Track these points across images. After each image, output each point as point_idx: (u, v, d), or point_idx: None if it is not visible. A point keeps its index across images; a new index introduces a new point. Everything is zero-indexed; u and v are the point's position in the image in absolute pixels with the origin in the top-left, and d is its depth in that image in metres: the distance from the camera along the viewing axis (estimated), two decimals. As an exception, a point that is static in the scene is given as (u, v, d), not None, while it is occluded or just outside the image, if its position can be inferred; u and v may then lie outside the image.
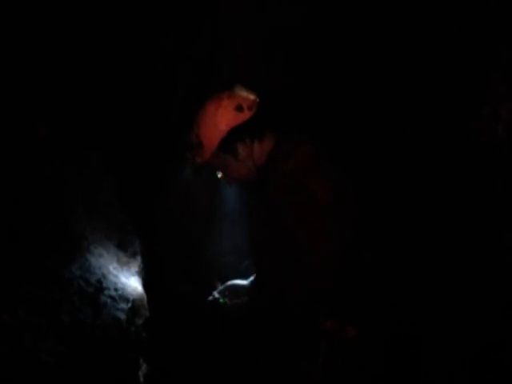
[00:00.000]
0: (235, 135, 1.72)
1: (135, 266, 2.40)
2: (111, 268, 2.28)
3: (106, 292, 2.18)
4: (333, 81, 2.44)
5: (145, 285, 2.39)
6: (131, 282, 2.33)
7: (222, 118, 1.70)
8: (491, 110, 1.94)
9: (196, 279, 2.76)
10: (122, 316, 2.16)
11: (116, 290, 2.24)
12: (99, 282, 2.18)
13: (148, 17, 2.44)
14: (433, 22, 2.10)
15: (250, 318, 1.90)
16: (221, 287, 2.34)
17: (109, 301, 2.17)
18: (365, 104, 2.37)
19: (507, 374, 1.83)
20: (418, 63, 2.16)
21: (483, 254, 1.99)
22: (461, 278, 2.00)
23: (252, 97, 1.73)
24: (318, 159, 1.72)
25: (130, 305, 2.22)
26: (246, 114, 1.69)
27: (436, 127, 2.13)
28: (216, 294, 2.27)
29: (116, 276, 2.28)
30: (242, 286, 2.22)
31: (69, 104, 2.32)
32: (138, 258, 2.42)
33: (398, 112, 2.26)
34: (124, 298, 2.24)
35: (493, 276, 1.92)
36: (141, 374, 2.15)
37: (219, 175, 1.85)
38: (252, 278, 2.18)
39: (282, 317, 1.73)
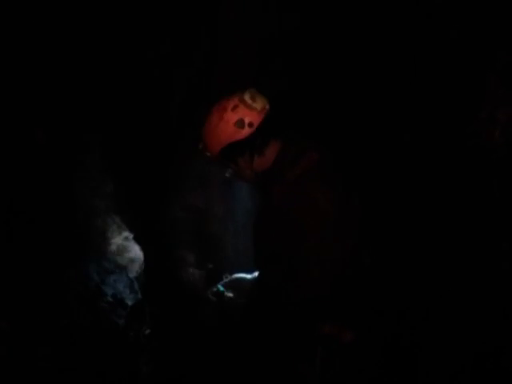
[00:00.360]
0: (235, 148, 1.72)
1: (134, 271, 2.43)
2: (110, 273, 2.31)
3: (105, 297, 2.21)
4: (334, 87, 2.47)
5: (150, 283, 2.41)
6: (130, 287, 2.36)
7: (222, 132, 1.70)
8: (489, 114, 1.97)
9: (209, 273, 2.77)
10: (121, 321, 2.19)
11: (114, 295, 2.27)
12: (97, 287, 2.21)
13: (147, 21, 2.47)
14: (431, 28, 2.13)
15: (249, 319, 1.92)
16: (226, 280, 2.36)
17: (107, 306, 2.20)
18: (365, 109, 2.39)
19: (506, 377, 1.85)
20: (417, 68, 2.19)
21: (482, 257, 2.01)
22: (460, 283, 2.02)
23: (259, 106, 1.71)
24: (324, 167, 1.73)
25: (128, 310, 2.25)
26: (246, 131, 1.69)
27: (435, 132, 2.16)
28: (220, 287, 2.28)
29: (114, 281, 2.31)
30: (247, 281, 2.24)
31: (67, 109, 2.35)
32: (137, 263, 2.44)
33: (397, 117, 2.29)
34: (122, 303, 2.27)
35: (491, 280, 1.95)
36: (140, 378, 2.17)
37: (227, 174, 1.87)
38: (256, 274, 2.19)
39: (280, 319, 1.75)
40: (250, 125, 1.67)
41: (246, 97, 1.70)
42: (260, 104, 1.71)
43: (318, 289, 1.66)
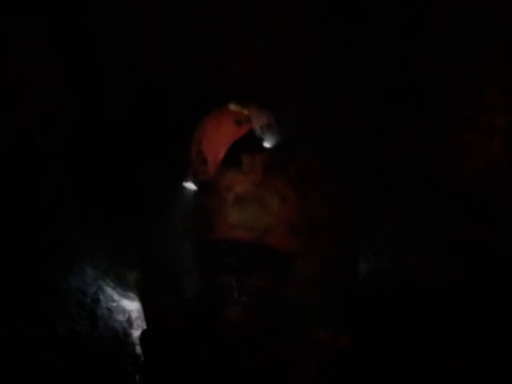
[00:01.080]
0: (239, 148, 1.82)
1: (132, 277, 2.48)
2: (108, 279, 2.37)
3: (103, 304, 2.27)
4: (329, 94, 2.52)
5: (149, 289, 2.45)
6: (128, 294, 2.41)
7: (224, 132, 1.81)
8: (488, 122, 2.03)
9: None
10: (119, 328, 2.25)
11: (113, 301, 2.32)
12: (96, 293, 2.27)
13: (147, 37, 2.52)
14: (430, 35, 2.19)
15: (245, 326, 1.98)
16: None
17: (106, 312, 2.26)
18: (361, 115, 2.45)
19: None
20: (415, 74, 2.25)
21: (481, 263, 2.07)
22: (457, 288, 2.08)
23: (245, 112, 1.83)
24: (314, 172, 1.82)
25: (126, 316, 2.31)
26: (246, 127, 1.81)
27: (432, 139, 2.22)
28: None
29: (113, 287, 2.37)
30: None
31: (65, 117, 2.40)
32: (136, 269, 2.49)
33: (393, 123, 2.35)
34: (121, 309, 2.33)
35: (490, 286, 2.01)
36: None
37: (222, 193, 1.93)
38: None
39: (276, 325, 1.81)
40: (247, 120, 1.79)
41: (232, 105, 1.84)
42: (244, 109, 1.84)
43: (310, 289, 1.74)
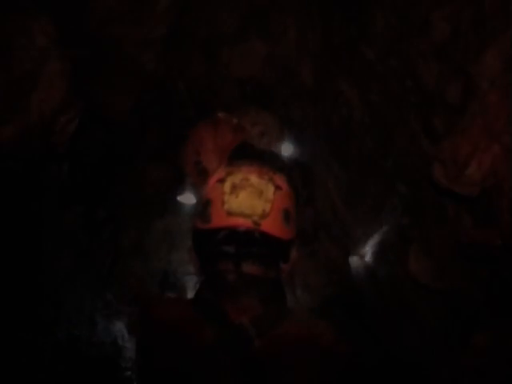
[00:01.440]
0: (236, 155, 1.82)
1: (130, 281, 2.49)
2: (106, 285, 2.37)
3: (103, 308, 2.27)
4: (332, 94, 2.52)
5: (147, 293, 2.45)
6: (128, 298, 2.41)
7: (222, 141, 1.81)
8: (489, 123, 2.02)
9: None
10: (118, 333, 2.26)
11: (112, 306, 2.33)
12: (95, 298, 2.28)
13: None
14: (432, 36, 2.18)
15: (251, 310, 1.97)
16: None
17: (105, 317, 2.26)
18: (365, 115, 2.45)
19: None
20: (418, 75, 2.24)
21: (484, 265, 2.07)
22: (460, 290, 2.07)
23: (235, 120, 1.84)
24: (316, 174, 1.82)
25: (126, 321, 2.32)
26: (241, 134, 1.81)
27: (435, 140, 2.21)
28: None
29: (112, 293, 2.37)
30: None
31: (70, 117, 2.40)
32: (133, 274, 2.50)
33: (396, 124, 2.34)
34: (120, 314, 2.33)
35: (492, 288, 2.00)
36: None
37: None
38: None
39: (279, 309, 1.81)
40: (241, 127, 1.79)
41: (222, 114, 1.84)
42: (234, 118, 1.85)
43: (312, 291, 1.74)
